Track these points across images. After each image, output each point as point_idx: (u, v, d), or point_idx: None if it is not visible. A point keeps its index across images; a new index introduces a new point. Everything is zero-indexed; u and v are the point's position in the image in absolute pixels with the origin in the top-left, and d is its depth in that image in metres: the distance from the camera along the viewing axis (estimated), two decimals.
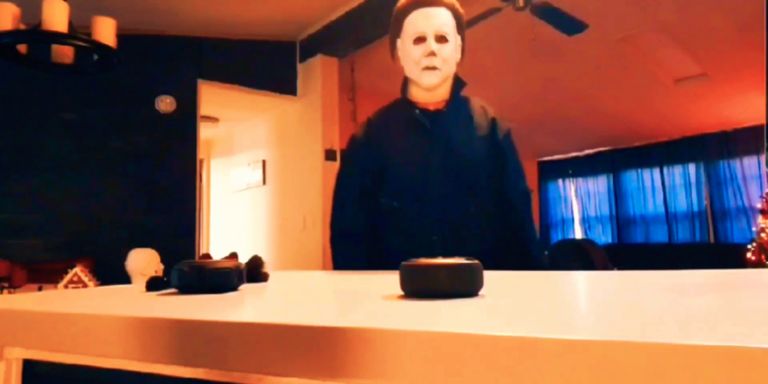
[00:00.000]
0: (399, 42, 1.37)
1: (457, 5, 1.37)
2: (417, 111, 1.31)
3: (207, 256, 4.58)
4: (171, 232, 3.44)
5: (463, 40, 1.38)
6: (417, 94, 1.34)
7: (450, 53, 1.31)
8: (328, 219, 3.88)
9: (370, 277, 0.95)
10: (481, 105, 1.44)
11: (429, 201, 1.31)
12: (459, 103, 1.37)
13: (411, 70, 1.36)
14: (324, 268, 3.76)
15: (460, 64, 1.38)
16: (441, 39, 1.31)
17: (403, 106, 1.36)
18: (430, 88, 1.31)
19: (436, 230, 1.26)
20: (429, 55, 1.30)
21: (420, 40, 1.31)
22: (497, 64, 4.61)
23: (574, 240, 7.23)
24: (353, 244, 1.28)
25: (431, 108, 1.32)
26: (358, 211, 1.41)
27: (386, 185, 1.37)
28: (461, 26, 1.35)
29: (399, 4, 1.39)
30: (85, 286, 2.70)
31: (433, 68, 1.31)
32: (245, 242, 4.76)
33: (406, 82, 1.38)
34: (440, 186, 1.32)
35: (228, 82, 3.79)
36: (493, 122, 1.44)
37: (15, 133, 3.13)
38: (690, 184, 6.64)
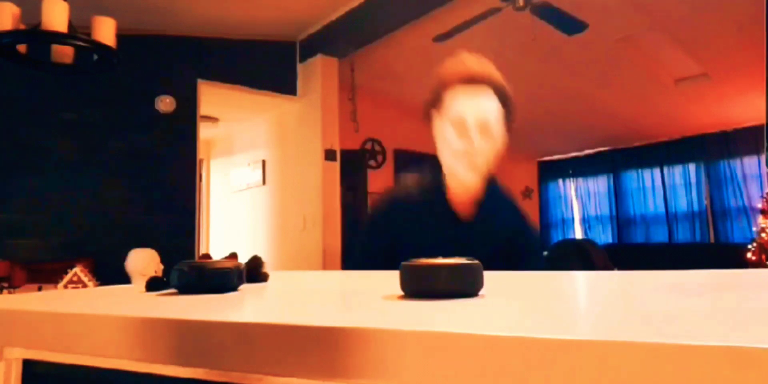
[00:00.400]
0: (435, 113, 1.24)
1: (506, 85, 1.21)
2: (451, 214, 1.21)
3: (207, 256, 4.56)
4: (171, 232, 3.44)
5: (509, 124, 1.23)
6: (450, 182, 1.23)
7: (491, 148, 1.18)
8: (327, 219, 3.88)
9: (371, 277, 0.95)
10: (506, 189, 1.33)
11: None
12: (492, 200, 1.26)
13: (446, 157, 1.22)
14: (324, 268, 3.77)
15: (500, 156, 1.25)
16: (484, 129, 1.16)
17: (436, 196, 1.24)
18: (465, 183, 1.20)
19: None
20: (468, 148, 1.16)
21: (460, 126, 1.16)
22: (497, 64, 4.61)
23: (574, 240, 7.23)
24: None
25: (464, 213, 1.22)
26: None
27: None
28: (508, 110, 1.21)
29: (444, 71, 1.23)
30: (84, 286, 2.70)
31: (472, 164, 1.18)
32: (245, 242, 4.76)
33: (438, 163, 1.25)
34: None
35: (228, 82, 3.79)
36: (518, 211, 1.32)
37: (15, 133, 3.13)
38: (690, 184, 6.64)
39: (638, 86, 4.81)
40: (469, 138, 1.14)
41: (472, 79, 1.21)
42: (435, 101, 1.23)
